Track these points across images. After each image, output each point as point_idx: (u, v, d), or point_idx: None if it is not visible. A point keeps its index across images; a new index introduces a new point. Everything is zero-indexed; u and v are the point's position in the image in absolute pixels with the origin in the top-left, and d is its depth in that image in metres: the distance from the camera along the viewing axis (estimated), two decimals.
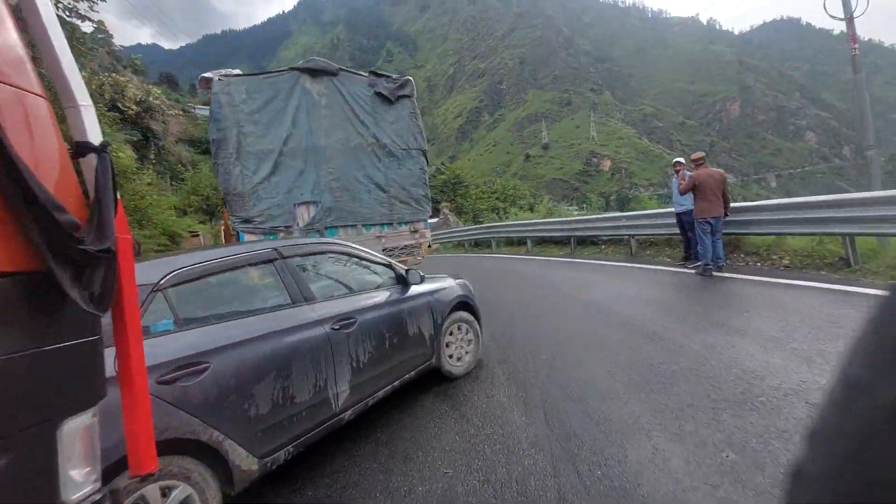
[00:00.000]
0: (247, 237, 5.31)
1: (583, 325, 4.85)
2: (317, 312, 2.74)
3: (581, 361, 3.81)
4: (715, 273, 6.35)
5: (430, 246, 6.38)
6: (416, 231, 6.20)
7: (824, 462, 0.35)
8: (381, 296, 3.30)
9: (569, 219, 11.82)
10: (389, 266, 3.59)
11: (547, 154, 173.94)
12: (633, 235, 9.50)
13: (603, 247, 10.83)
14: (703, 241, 6.38)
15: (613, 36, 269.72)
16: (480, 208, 23.90)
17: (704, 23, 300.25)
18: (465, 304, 4.19)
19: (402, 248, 6.10)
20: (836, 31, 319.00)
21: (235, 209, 5.26)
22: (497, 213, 19.21)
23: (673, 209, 7.69)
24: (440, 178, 29.77)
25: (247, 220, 5.27)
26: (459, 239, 19.34)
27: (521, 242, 14.89)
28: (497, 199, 26.25)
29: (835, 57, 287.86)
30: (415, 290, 3.62)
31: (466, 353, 4.08)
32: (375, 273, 3.52)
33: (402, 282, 3.59)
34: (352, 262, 3.45)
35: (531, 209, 17.79)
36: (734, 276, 6.15)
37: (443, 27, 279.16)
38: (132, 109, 15.18)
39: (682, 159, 7.63)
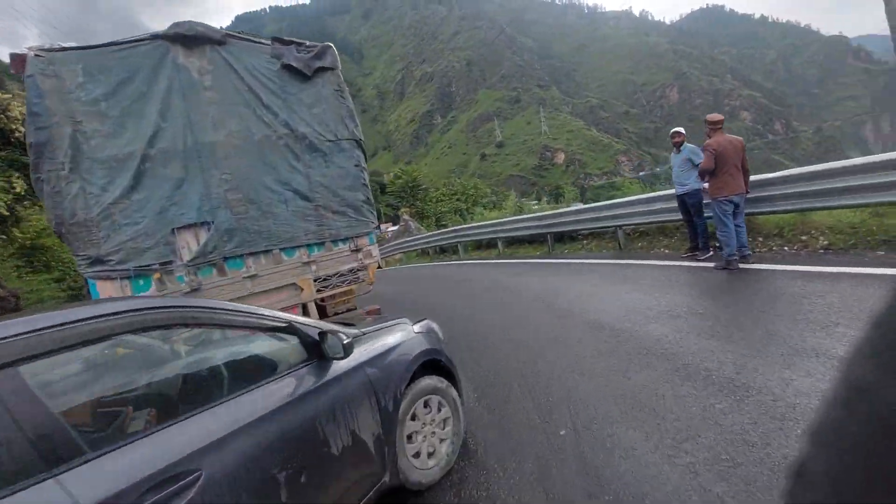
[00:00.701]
0: (101, 287, 3.56)
1: (603, 364, 3.41)
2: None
3: (627, 441, 2.35)
4: (742, 265, 5.09)
5: (379, 266, 4.79)
6: (358, 250, 4.60)
7: (826, 461, 0.35)
8: (267, 398, 1.70)
9: (543, 213, 10.49)
10: (292, 330, 1.99)
11: (502, 152, 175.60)
12: (619, 226, 8.25)
13: (585, 242, 9.55)
14: (724, 226, 5.09)
15: (554, 33, 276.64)
16: (442, 211, 22.46)
17: (637, 15, 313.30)
18: (433, 365, 2.66)
19: (341, 276, 4.50)
20: (757, 16, 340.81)
21: (78, 246, 3.51)
22: (460, 215, 17.86)
23: (674, 191, 6.43)
24: (398, 182, 28.13)
25: (98, 261, 3.52)
26: (423, 246, 17.80)
27: (491, 245, 13.50)
28: (458, 199, 24.91)
29: (758, 40, 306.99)
30: (340, 366, 2.05)
31: (442, 441, 2.55)
32: (263, 350, 1.93)
33: (318, 353, 2.01)
34: (220, 336, 1.85)
35: (497, 208, 16.48)
36: (767, 267, 4.91)
37: (387, 34, 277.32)
38: (20, 130, 12.73)
39: (681, 129, 6.41)
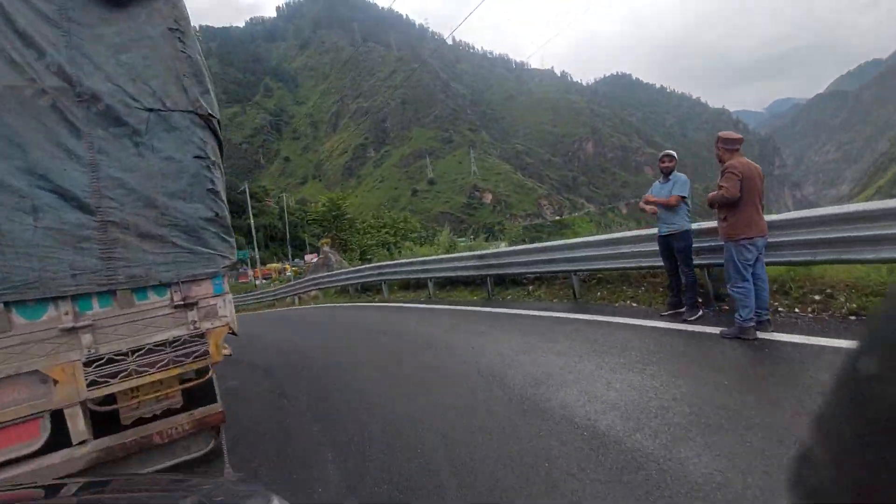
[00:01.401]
0: None
1: None
2: None
3: None
4: (760, 335, 3.79)
5: (232, 331, 2.78)
6: (189, 305, 2.59)
7: (831, 447, 0.35)
8: None
9: (484, 252, 8.97)
10: None
11: (433, 189, 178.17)
12: (575, 271, 6.91)
13: (531, 287, 8.12)
14: (743, 280, 3.74)
15: (485, 83, 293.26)
16: (368, 244, 20.44)
17: (559, 74, 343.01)
18: None
19: (150, 353, 2.45)
20: (658, 86, 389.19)
21: None
22: (388, 249, 16.03)
23: (654, 230, 5.16)
24: (319, 210, 25.63)
25: None
26: (343, 283, 15.57)
27: (420, 285, 11.74)
28: (387, 233, 23.09)
29: (659, 106, 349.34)
30: None
31: None
32: None
33: None
34: None
35: (428, 243, 14.86)
36: (795, 339, 3.64)
37: (323, 66, 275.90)
38: None
39: (672, 152, 5.24)
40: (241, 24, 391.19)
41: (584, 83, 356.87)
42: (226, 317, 2.71)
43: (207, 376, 2.63)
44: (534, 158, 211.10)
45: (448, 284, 10.68)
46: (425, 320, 7.58)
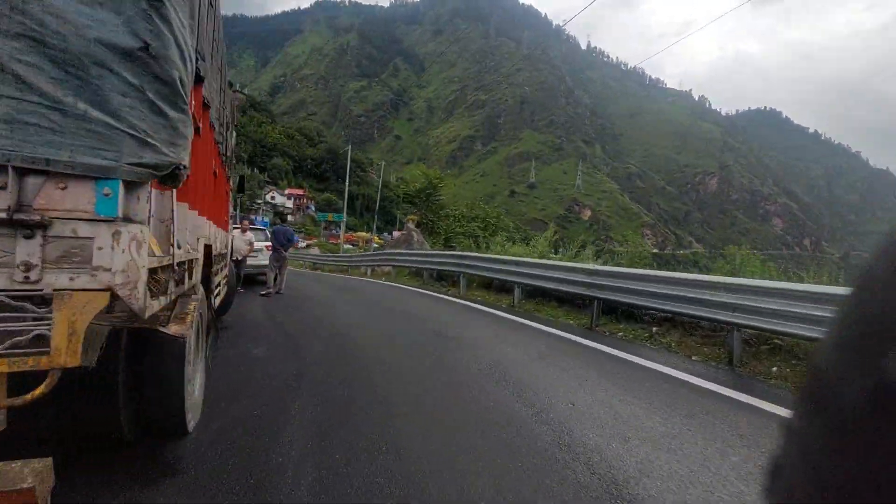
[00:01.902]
0: None
1: None
2: None
3: None
4: None
5: (131, 310, 1.29)
6: (28, 224, 1.13)
7: (801, 456, 0.35)
8: None
9: (595, 267, 6.88)
10: None
11: (531, 194, 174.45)
12: (740, 326, 4.68)
13: (656, 330, 5.97)
14: None
15: (611, 94, 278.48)
16: (456, 231, 19.11)
17: (696, 98, 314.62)
18: None
19: None
20: (811, 130, 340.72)
21: None
22: (475, 242, 14.51)
23: None
24: (414, 187, 24.76)
25: None
26: (419, 265, 14.33)
27: (504, 288, 9.97)
28: (477, 226, 21.58)
29: (807, 153, 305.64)
30: None
31: None
32: None
33: None
34: None
35: (525, 243, 12.97)
36: None
37: (452, 54, 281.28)
38: None
39: None
40: (387, 5, 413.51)
41: (722, 112, 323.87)
42: (111, 271, 1.22)
43: (38, 392, 1.16)
44: (646, 183, 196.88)
45: (538, 295, 8.78)
46: (504, 338, 5.82)
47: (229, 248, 5.99)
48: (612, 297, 6.36)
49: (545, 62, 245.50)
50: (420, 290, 11.69)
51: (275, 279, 10.14)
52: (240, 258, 9.86)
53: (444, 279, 13.17)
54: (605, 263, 8.42)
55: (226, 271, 5.57)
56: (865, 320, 0.31)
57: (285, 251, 10.34)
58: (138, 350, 2.30)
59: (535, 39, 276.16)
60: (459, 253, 12.27)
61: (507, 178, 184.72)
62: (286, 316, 7.17)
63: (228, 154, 5.25)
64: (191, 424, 2.72)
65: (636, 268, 7.34)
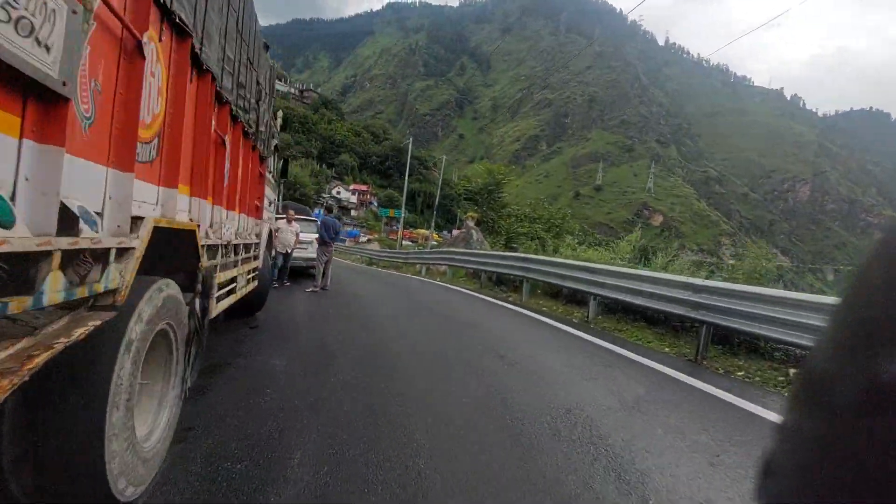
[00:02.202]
0: None
1: None
2: None
3: None
4: None
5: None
6: None
7: (793, 456, 0.35)
8: None
9: (703, 282, 5.33)
10: None
11: (597, 196, 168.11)
12: None
13: (794, 372, 4.44)
14: None
15: (690, 92, 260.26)
16: (518, 232, 17.75)
17: (788, 97, 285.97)
18: None
19: None
20: None
21: None
22: (541, 244, 13.15)
23: None
24: (475, 182, 23.63)
25: None
26: (477, 266, 13.22)
27: (576, 299, 8.60)
28: (541, 227, 20.04)
29: None
30: None
31: None
32: None
33: None
34: None
35: (604, 247, 11.40)
36: None
37: (520, 52, 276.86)
38: None
39: None
40: (456, 4, 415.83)
41: (819, 113, 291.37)
42: None
43: None
44: (726, 188, 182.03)
45: (619, 310, 7.35)
46: (582, 369, 4.56)
47: (262, 238, 5.25)
48: (729, 324, 4.85)
49: (618, 59, 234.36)
50: (477, 295, 10.57)
51: (323, 274, 9.50)
52: (288, 251, 9.30)
53: (503, 283, 11.96)
54: (708, 277, 6.80)
55: (254, 264, 4.80)
56: (858, 322, 0.31)
57: (331, 244, 9.67)
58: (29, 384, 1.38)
59: (608, 36, 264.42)
60: (523, 255, 11.00)
61: (571, 180, 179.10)
62: (324, 320, 6.37)
63: (261, 129, 4.45)
64: (128, 493, 1.80)
65: (755, 285, 5.71)
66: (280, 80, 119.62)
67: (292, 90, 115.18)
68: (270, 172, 5.96)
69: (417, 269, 18.15)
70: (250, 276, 4.58)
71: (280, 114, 6.45)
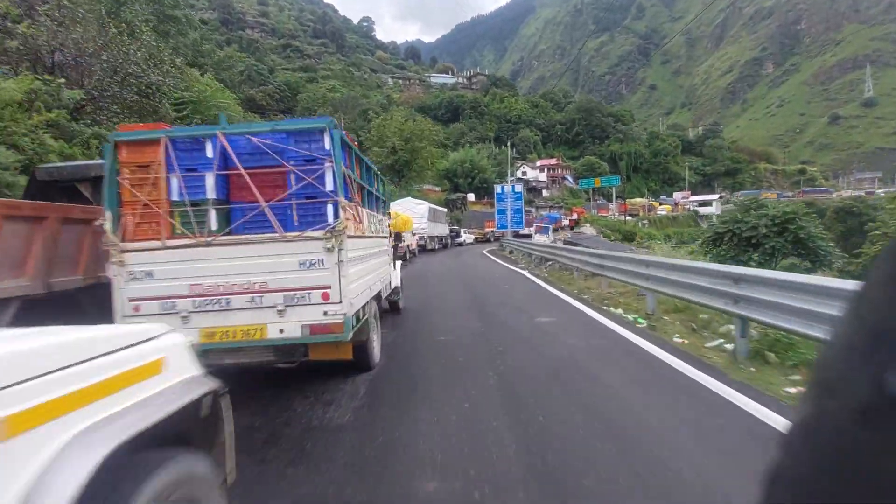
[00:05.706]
0: None
1: None
2: None
3: None
4: None
5: None
6: None
7: (799, 466, 0.35)
8: None
9: None
10: None
11: (869, 114, 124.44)
12: None
13: None
14: None
15: None
16: None
17: None
18: None
19: None
20: None
21: None
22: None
23: None
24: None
25: None
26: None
27: None
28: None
29: None
30: None
31: None
32: None
33: None
34: None
35: None
36: None
37: None
38: None
39: None
40: None
41: None
42: None
43: None
44: None
45: None
46: None
47: None
48: None
49: None
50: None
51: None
52: None
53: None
54: None
55: None
56: (868, 327, 0.31)
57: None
58: None
59: None
60: None
61: (822, 101, 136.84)
62: None
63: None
64: None
65: None
66: (447, 73, 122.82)
67: (460, 80, 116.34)
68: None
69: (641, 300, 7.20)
70: None
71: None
